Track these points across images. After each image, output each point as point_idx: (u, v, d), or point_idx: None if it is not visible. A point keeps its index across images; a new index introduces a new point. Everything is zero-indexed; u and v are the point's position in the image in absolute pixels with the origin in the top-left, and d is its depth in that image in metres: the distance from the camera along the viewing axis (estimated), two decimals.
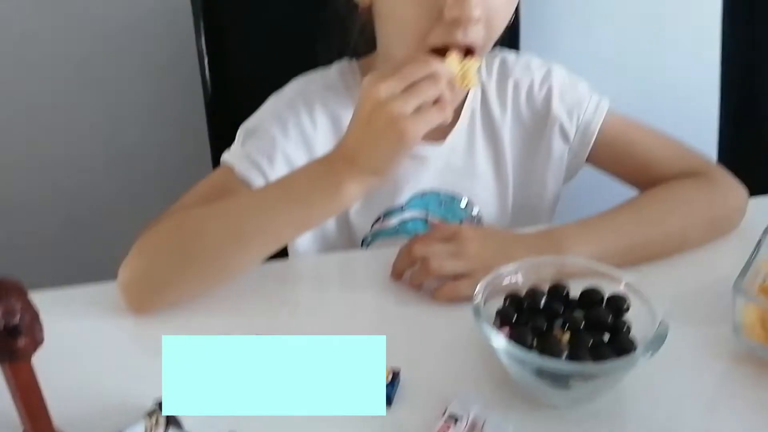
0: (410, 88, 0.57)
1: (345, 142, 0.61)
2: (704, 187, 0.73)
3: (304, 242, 0.78)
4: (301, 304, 0.71)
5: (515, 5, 0.68)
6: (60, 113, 1.12)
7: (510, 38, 0.94)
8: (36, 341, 0.48)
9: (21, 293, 0.48)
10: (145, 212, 0.73)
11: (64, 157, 1.15)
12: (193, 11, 0.94)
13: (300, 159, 0.73)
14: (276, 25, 0.96)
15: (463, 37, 0.64)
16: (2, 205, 1.15)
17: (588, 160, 0.80)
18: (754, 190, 0.77)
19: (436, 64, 0.58)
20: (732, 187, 0.74)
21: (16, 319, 0.47)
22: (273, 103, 0.76)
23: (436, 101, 0.58)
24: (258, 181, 0.70)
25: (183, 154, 1.13)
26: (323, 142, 0.74)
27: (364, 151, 0.59)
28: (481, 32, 0.65)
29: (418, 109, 0.57)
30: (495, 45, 0.71)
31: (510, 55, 0.80)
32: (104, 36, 1.08)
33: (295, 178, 0.64)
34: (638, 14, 1.18)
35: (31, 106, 1.10)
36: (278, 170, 0.71)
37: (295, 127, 0.74)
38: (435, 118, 0.58)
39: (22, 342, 0.47)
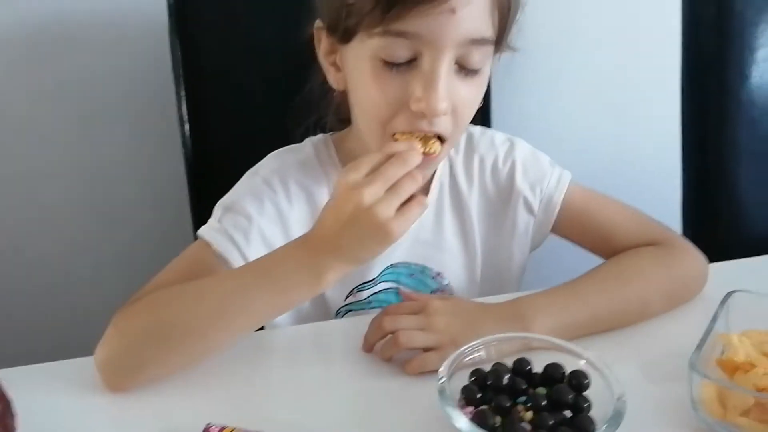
0: (392, 188, 0.58)
1: (325, 232, 0.61)
2: (664, 257, 0.75)
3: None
4: (276, 375, 0.71)
5: (483, 93, 0.71)
6: (35, 177, 1.13)
7: (482, 115, 0.99)
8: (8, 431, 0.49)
9: None
10: (125, 282, 0.74)
11: (39, 227, 1.15)
12: (174, 80, 0.97)
13: (275, 235, 0.74)
14: (256, 94, 0.99)
15: (429, 126, 0.66)
16: None
17: (552, 230, 0.82)
18: (718, 256, 0.80)
19: (412, 158, 0.60)
20: (692, 255, 0.77)
21: None
22: (249, 179, 0.78)
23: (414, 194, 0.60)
24: (234, 257, 0.72)
25: (163, 222, 1.15)
26: (298, 218, 0.76)
27: (350, 246, 0.60)
28: (448, 123, 0.67)
29: (401, 206, 0.59)
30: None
31: (475, 130, 0.83)
32: (87, 102, 1.10)
33: (274, 261, 0.64)
34: (603, 96, 1.24)
35: (12, 176, 1.12)
36: (254, 246, 0.73)
37: (270, 204, 0.76)
38: (416, 212, 0.59)
39: None
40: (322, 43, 0.73)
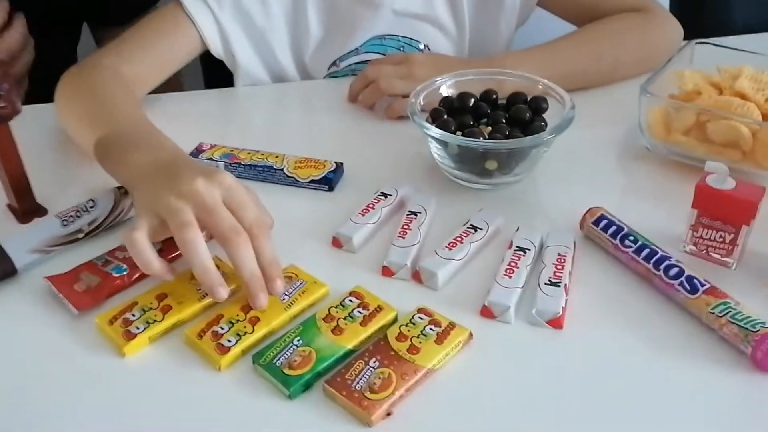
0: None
1: (169, 171, 0.52)
2: (640, 22, 0.78)
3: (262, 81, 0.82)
4: (261, 119, 0.78)
5: None
6: None
7: None
8: (15, 109, 0.54)
9: (5, 66, 0.55)
10: None
11: None
12: None
13: (252, 3, 0.75)
14: None
15: None
16: None
17: (539, 4, 0.84)
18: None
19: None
20: (667, 23, 0.79)
21: None
22: None
23: None
24: (204, 18, 0.73)
25: None
26: None
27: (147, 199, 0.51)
28: None
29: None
30: None
31: None
32: None
33: (138, 151, 0.56)
34: None
35: None
36: (226, 8, 0.74)
37: None
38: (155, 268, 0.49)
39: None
40: None
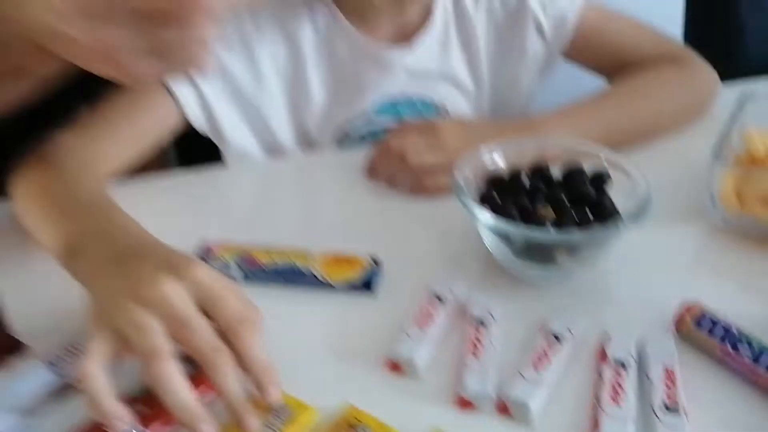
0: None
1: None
2: (677, 73, 0.72)
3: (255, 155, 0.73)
4: (262, 209, 0.67)
5: None
6: None
7: None
8: None
9: None
10: None
11: None
12: None
13: (241, 71, 0.68)
14: None
15: None
16: None
17: (564, 53, 0.77)
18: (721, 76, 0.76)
19: None
20: (704, 72, 0.74)
21: None
22: None
23: None
24: (186, 93, 0.66)
25: None
26: (271, 56, 0.69)
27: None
28: None
29: None
30: None
31: None
32: None
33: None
34: None
35: None
36: (211, 81, 0.67)
37: (237, 37, 0.68)
38: None
39: None
40: None
